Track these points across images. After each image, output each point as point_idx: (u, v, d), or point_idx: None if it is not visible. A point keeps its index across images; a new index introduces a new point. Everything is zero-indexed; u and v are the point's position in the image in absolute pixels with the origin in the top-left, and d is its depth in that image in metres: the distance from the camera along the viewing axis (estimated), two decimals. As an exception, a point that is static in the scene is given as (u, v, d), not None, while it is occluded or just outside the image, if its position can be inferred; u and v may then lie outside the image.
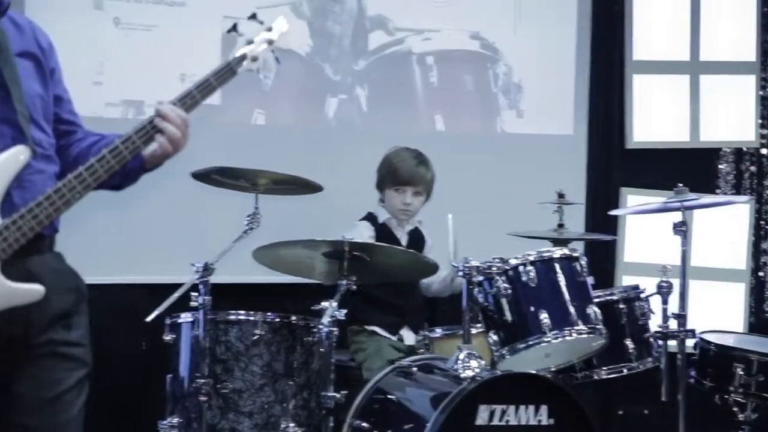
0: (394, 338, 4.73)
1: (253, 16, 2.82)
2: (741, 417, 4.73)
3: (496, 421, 3.87)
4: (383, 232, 4.75)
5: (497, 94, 5.88)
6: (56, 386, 2.76)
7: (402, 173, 4.77)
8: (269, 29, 2.84)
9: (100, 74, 5.14)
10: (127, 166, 2.80)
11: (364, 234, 4.69)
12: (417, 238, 4.85)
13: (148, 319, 4.03)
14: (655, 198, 5.09)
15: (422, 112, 5.77)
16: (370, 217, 4.83)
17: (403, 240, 4.80)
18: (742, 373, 4.58)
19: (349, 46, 5.62)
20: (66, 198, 2.69)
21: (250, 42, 2.82)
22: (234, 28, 2.82)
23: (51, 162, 2.84)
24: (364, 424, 4.06)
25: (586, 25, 6.01)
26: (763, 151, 6.27)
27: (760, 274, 6.22)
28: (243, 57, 2.82)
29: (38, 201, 2.68)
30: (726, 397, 4.68)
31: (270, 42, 2.83)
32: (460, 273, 4.09)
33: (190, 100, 2.80)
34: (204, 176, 4.33)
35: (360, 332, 4.74)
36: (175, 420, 4.08)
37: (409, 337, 4.75)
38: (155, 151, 2.85)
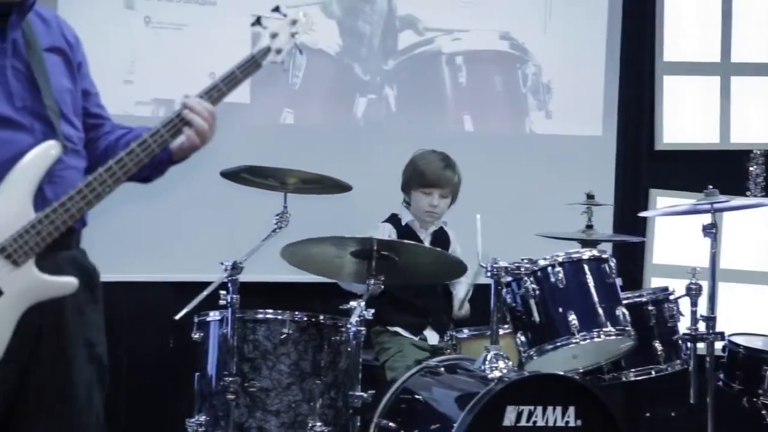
0: (416, 338, 4.72)
1: (276, 9, 2.83)
2: (769, 420, 4.71)
3: (523, 422, 3.85)
4: (406, 233, 4.74)
5: (526, 94, 5.87)
6: (76, 384, 2.77)
7: (429, 175, 4.76)
8: (293, 22, 2.84)
9: (130, 73, 5.16)
10: (156, 158, 2.81)
11: (386, 235, 4.67)
12: (441, 239, 4.84)
13: (177, 316, 4.04)
14: (685, 200, 5.08)
15: (451, 113, 5.76)
16: (393, 219, 4.82)
17: (426, 241, 4.79)
18: (771, 376, 4.56)
19: (378, 46, 5.63)
20: (97, 191, 2.71)
21: (274, 35, 2.82)
22: (258, 21, 2.83)
23: (80, 157, 2.86)
24: (391, 424, 4.06)
25: (616, 25, 5.99)
26: (794, 153, 6.24)
27: (791, 277, 6.19)
28: (267, 49, 2.82)
29: (70, 195, 2.70)
30: (754, 400, 4.65)
31: (294, 34, 2.83)
32: (488, 273, 4.08)
33: (216, 93, 2.81)
34: (233, 175, 4.34)
35: (383, 332, 4.74)
36: (203, 418, 4.09)
37: (432, 337, 4.75)
38: (183, 144, 2.86)
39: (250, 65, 2.83)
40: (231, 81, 2.83)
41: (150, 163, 2.80)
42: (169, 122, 2.79)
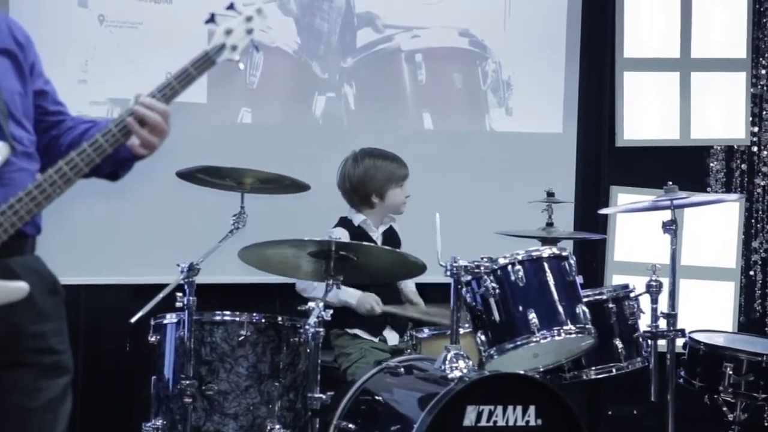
0: (376, 340, 4.70)
1: (231, 6, 2.78)
2: (730, 417, 4.71)
3: (483, 422, 3.84)
4: (358, 234, 4.73)
5: (486, 91, 5.85)
6: (42, 395, 2.71)
7: (401, 170, 4.80)
8: (248, 18, 2.79)
9: (84, 72, 5.10)
10: (119, 155, 2.76)
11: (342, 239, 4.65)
12: (392, 238, 4.83)
13: (132, 320, 4.01)
14: (645, 196, 5.07)
15: (410, 110, 5.74)
16: (344, 222, 4.81)
17: (379, 241, 4.78)
18: (731, 372, 4.56)
19: (336, 44, 5.59)
20: (47, 193, 2.65)
21: (229, 31, 2.77)
22: (212, 18, 2.77)
23: (32, 160, 2.80)
24: (351, 426, 4.03)
25: (576, 21, 5.98)
26: (754, 148, 6.24)
27: (750, 272, 6.20)
28: (222, 46, 2.76)
29: (18, 197, 2.64)
30: (715, 397, 4.67)
31: (249, 31, 2.78)
32: (448, 273, 4.06)
33: (169, 91, 2.75)
34: (189, 175, 4.30)
35: (342, 335, 4.70)
36: (160, 422, 4.06)
37: (392, 337, 4.73)
38: (138, 143, 2.80)
39: (204, 62, 2.77)
40: (185, 78, 2.77)
41: (113, 160, 2.75)
42: (120, 122, 2.74)
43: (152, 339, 4.15)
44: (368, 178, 4.79)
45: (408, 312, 4.77)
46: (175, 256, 4.09)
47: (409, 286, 4.88)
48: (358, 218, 4.80)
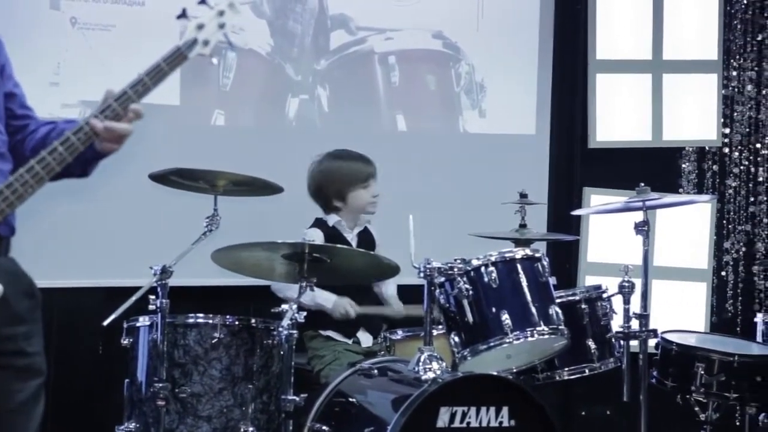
0: (350, 342, 4.70)
1: (203, 1, 2.77)
2: (702, 417, 4.74)
3: (457, 423, 3.84)
4: (332, 235, 4.72)
5: (459, 93, 5.86)
6: (14, 397, 2.71)
7: (363, 170, 4.76)
8: (220, 13, 2.78)
9: (56, 75, 5.07)
10: (87, 154, 2.75)
11: (315, 241, 4.64)
12: (367, 240, 4.82)
13: (105, 322, 3.99)
14: (618, 197, 5.09)
15: (384, 112, 5.74)
16: (319, 222, 4.80)
17: (353, 243, 4.76)
18: (703, 372, 4.58)
19: (310, 46, 5.58)
20: (18, 193, 2.64)
21: (200, 26, 2.76)
22: (184, 13, 2.77)
23: (5, 160, 2.80)
24: (324, 428, 4.03)
25: (549, 23, 6.00)
26: (725, 150, 6.28)
27: (722, 273, 6.23)
28: (194, 41, 2.76)
29: (-10, 197, 2.63)
30: (687, 396, 4.69)
31: (221, 26, 2.78)
32: (421, 274, 4.06)
33: (141, 87, 2.74)
34: (162, 178, 4.29)
35: (315, 337, 4.69)
36: (133, 425, 4.05)
37: (366, 339, 4.73)
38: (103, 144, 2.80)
39: (177, 57, 2.76)
40: (157, 74, 2.75)
41: (80, 160, 2.74)
42: (79, 129, 2.72)
43: (125, 342, 4.13)
44: (327, 182, 4.77)
45: (384, 311, 4.76)
46: (147, 259, 4.08)
47: (389, 290, 4.85)
48: (332, 219, 4.80)
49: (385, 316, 4.77)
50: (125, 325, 4.15)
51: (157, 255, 4.11)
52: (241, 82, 5.41)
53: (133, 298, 4.02)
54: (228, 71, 5.37)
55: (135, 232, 5.16)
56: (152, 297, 4.00)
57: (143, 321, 4.11)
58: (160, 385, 3.94)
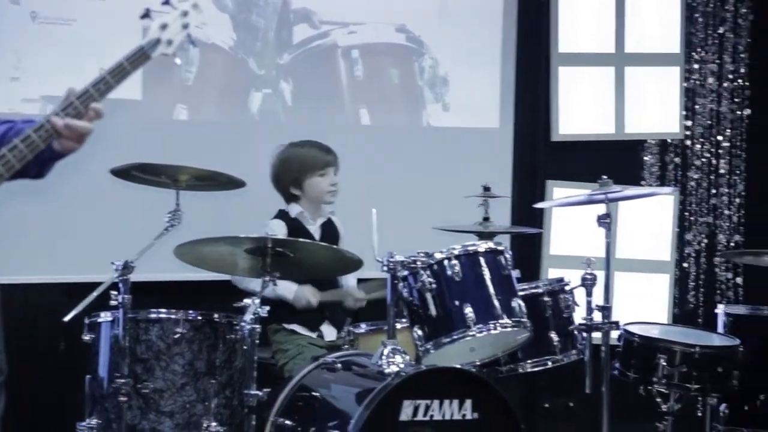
0: (314, 335, 4.70)
1: (167, 2, 2.77)
2: (664, 407, 4.76)
3: (420, 416, 3.86)
4: (295, 226, 4.72)
5: (423, 87, 5.86)
6: None
7: (321, 157, 4.77)
8: (184, 13, 2.78)
9: (16, 69, 5.04)
10: (45, 153, 2.74)
11: (278, 232, 4.64)
12: (331, 231, 4.82)
13: (66, 318, 3.97)
14: (581, 190, 5.12)
15: (347, 106, 5.73)
16: (282, 214, 4.79)
17: (316, 234, 4.77)
18: (665, 364, 4.60)
19: (273, 40, 5.57)
20: None
21: (164, 26, 2.76)
22: (147, 14, 2.77)
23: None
24: (288, 422, 4.03)
25: (512, 16, 6.01)
26: (687, 142, 6.31)
27: (684, 265, 6.27)
28: (157, 41, 2.76)
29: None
30: (649, 388, 4.71)
31: (185, 26, 2.78)
32: (385, 268, 4.07)
33: (103, 86, 2.74)
34: (124, 173, 4.27)
35: (279, 331, 4.70)
36: (94, 421, 4.03)
37: (329, 332, 4.73)
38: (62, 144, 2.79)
39: (139, 57, 2.77)
40: (119, 73, 2.76)
41: (38, 159, 2.73)
42: (40, 127, 2.71)
43: (87, 338, 4.11)
44: (284, 169, 4.79)
45: (345, 295, 4.75)
46: (109, 254, 4.05)
47: (350, 282, 4.85)
48: (294, 210, 4.79)
49: (347, 305, 4.76)
50: (87, 321, 4.12)
51: (119, 250, 4.09)
52: (204, 77, 5.39)
53: (95, 294, 4.00)
54: (190, 65, 5.35)
55: (96, 227, 5.14)
56: (114, 293, 3.97)
57: (105, 317, 4.08)
58: (122, 380, 3.92)
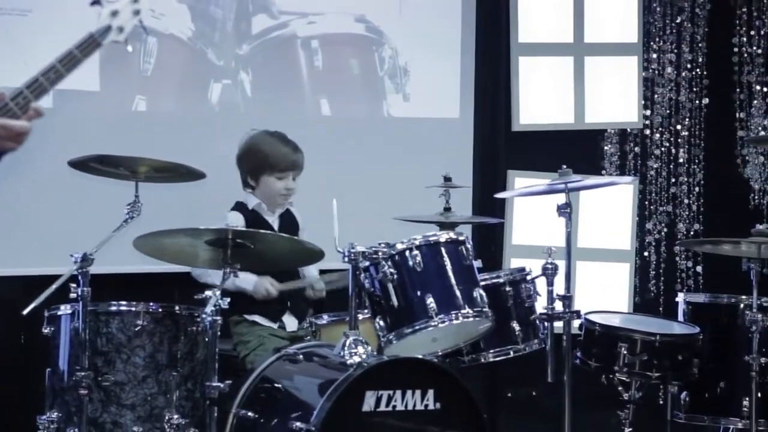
0: (275, 326, 4.68)
1: None
2: (626, 396, 4.79)
3: (383, 407, 3.86)
4: (253, 218, 4.70)
5: (383, 77, 5.85)
6: None
7: (283, 161, 4.71)
8: (134, 0, 2.75)
9: (-26, 61, 5.00)
10: None
11: (236, 224, 4.61)
12: (289, 222, 4.80)
13: (25, 312, 3.94)
14: (542, 180, 5.12)
15: (308, 97, 5.71)
16: (240, 206, 4.76)
17: (275, 225, 4.75)
18: (626, 352, 4.63)
19: (232, 30, 5.54)
20: None
21: (114, 13, 2.73)
22: (97, 0, 2.73)
23: None
24: (250, 414, 4.02)
25: (471, 6, 6.01)
26: (646, 131, 6.34)
27: (645, 253, 6.30)
28: (108, 28, 2.72)
29: None
30: (611, 376, 4.74)
31: (136, 12, 2.74)
32: (346, 259, 4.06)
33: (53, 75, 2.70)
34: (82, 164, 4.24)
35: (240, 322, 4.67)
36: (55, 415, 4.01)
37: (291, 323, 4.71)
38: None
39: (90, 44, 2.72)
40: (69, 61, 2.72)
41: None
42: None
43: (46, 331, 4.08)
44: (248, 155, 4.76)
45: (304, 284, 4.74)
46: (68, 247, 4.03)
47: (310, 272, 4.83)
48: (252, 201, 4.76)
49: (307, 294, 4.75)
50: (46, 314, 4.09)
51: (78, 243, 4.06)
52: (163, 68, 5.35)
53: (54, 287, 3.97)
54: (149, 56, 5.31)
55: (55, 219, 5.09)
56: (73, 285, 3.95)
57: (65, 309, 4.06)
58: (83, 373, 3.90)
